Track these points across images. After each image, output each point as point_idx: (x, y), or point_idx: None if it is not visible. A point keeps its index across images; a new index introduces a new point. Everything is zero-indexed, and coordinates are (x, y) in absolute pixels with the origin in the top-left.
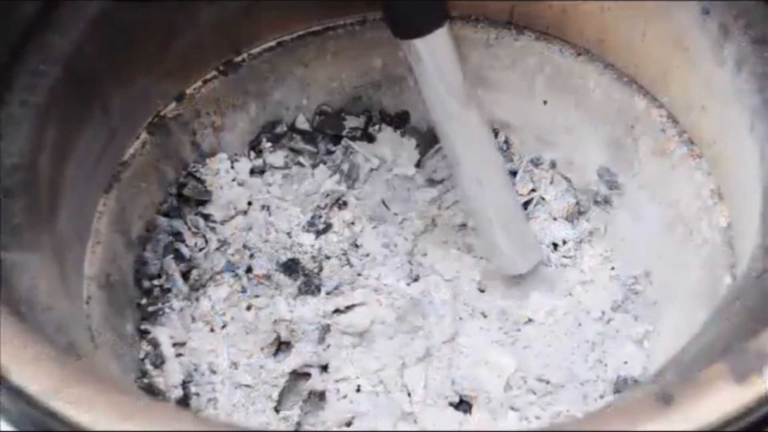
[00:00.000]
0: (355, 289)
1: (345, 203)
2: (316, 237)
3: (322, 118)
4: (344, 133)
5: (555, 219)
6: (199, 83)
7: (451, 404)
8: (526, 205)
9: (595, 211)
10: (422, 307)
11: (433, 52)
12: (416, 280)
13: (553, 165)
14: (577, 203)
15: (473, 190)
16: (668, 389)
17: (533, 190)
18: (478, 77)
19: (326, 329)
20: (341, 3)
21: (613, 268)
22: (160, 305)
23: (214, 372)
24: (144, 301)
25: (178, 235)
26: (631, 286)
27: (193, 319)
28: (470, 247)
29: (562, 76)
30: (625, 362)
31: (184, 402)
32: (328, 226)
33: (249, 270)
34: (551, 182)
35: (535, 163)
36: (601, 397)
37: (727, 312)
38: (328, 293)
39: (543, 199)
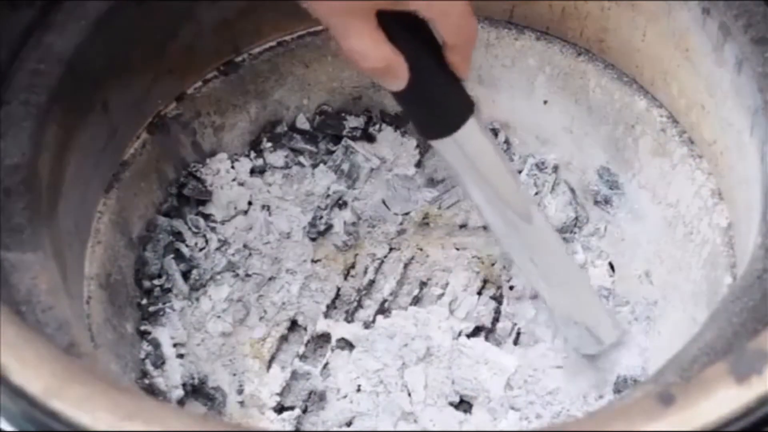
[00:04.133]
0: None
1: (345, 203)
2: (317, 238)
3: (322, 118)
4: (344, 133)
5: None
6: (199, 83)
7: (451, 404)
8: None
9: (595, 211)
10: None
11: (466, 147)
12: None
13: (555, 169)
14: (576, 218)
15: (552, 295)
16: (668, 389)
17: (536, 194)
18: (478, 77)
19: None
20: None
21: (613, 268)
22: (160, 305)
23: (214, 372)
24: (144, 301)
25: (178, 235)
26: (631, 286)
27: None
28: (470, 246)
29: (562, 76)
30: (625, 362)
31: (184, 402)
32: (328, 227)
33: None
34: (552, 189)
35: (540, 167)
36: (601, 397)
37: (727, 312)
38: None
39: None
